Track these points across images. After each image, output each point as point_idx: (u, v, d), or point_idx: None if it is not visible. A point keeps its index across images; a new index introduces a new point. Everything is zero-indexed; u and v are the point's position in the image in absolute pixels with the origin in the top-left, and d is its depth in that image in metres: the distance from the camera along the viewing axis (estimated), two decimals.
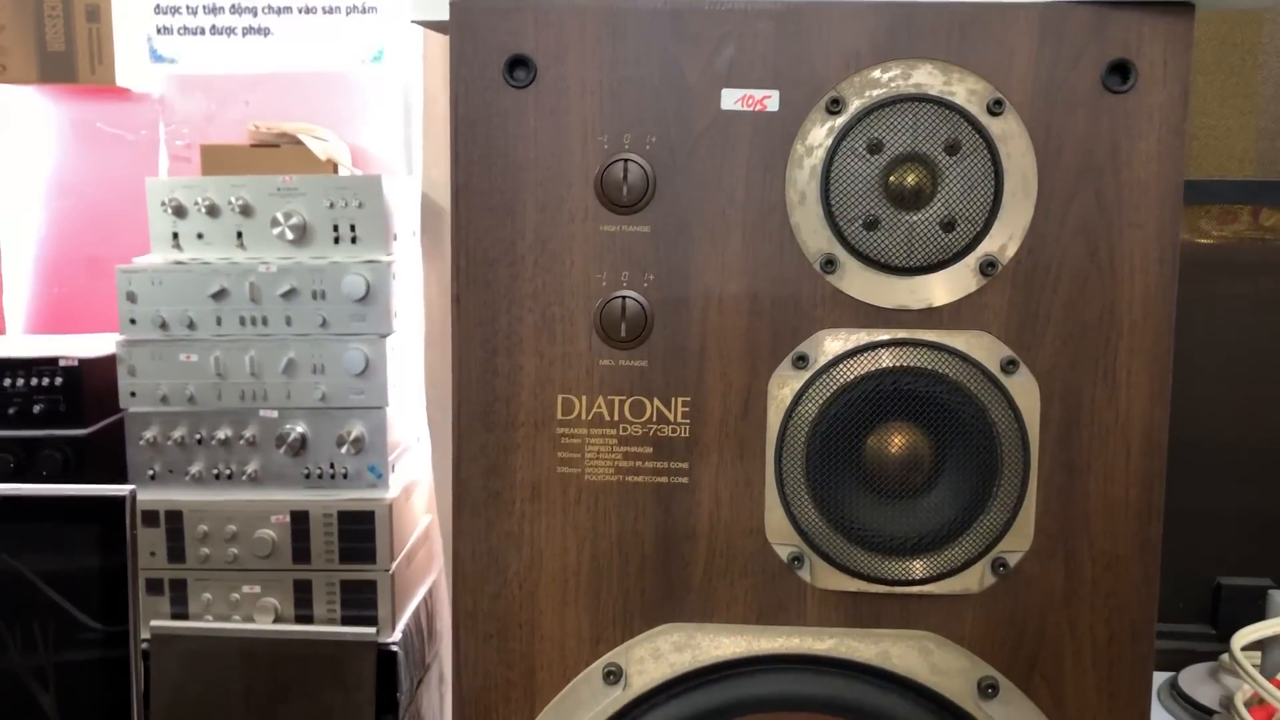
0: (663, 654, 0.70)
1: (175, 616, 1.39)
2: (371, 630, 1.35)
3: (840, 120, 0.67)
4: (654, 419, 0.70)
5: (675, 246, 0.69)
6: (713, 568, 0.70)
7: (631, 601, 0.71)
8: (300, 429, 1.37)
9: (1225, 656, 0.99)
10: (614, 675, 0.70)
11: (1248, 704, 0.87)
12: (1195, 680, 1.04)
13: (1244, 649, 0.88)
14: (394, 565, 1.37)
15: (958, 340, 0.68)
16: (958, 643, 0.70)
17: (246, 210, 1.37)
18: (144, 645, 1.32)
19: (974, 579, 0.70)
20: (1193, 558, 1.11)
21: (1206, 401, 1.11)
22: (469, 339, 0.70)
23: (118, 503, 0.90)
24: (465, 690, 0.71)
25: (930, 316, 0.69)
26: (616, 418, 0.70)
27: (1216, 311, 1.13)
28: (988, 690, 0.70)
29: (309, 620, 1.37)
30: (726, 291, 0.69)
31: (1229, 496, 1.13)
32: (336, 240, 1.38)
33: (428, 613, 1.52)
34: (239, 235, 1.38)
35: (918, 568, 0.69)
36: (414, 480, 1.50)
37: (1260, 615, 0.94)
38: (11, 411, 1.38)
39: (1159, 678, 1.06)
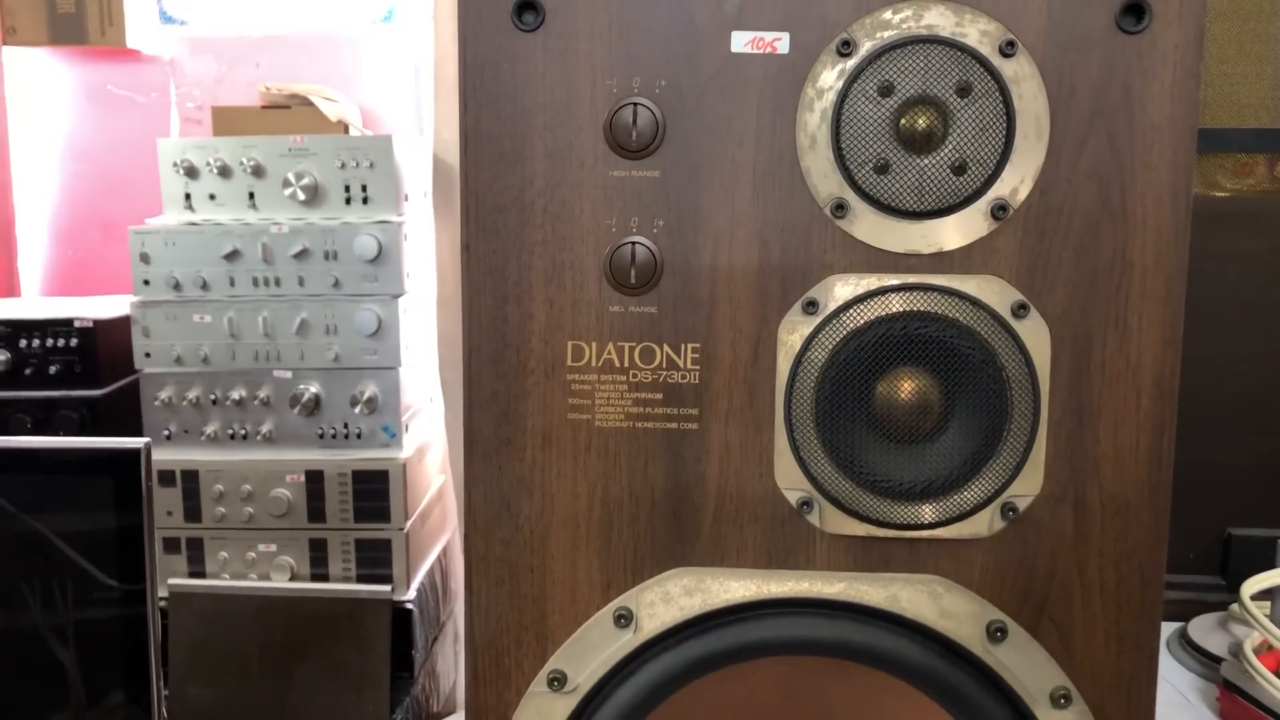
0: (673, 598, 0.71)
1: (192, 575, 1.41)
2: (386, 588, 1.36)
3: (851, 63, 0.67)
4: (664, 365, 0.70)
5: (685, 192, 0.69)
6: (722, 513, 0.71)
7: (642, 546, 0.71)
8: (314, 389, 1.38)
9: (1235, 606, 0.99)
10: (625, 619, 0.71)
11: (1257, 651, 0.87)
12: (1205, 630, 1.04)
13: (1253, 597, 0.88)
14: (408, 524, 1.38)
15: (968, 285, 0.68)
16: (967, 587, 0.70)
17: (258, 171, 1.37)
18: (162, 603, 1.34)
19: (983, 523, 0.70)
20: (1203, 509, 1.11)
21: (1219, 354, 1.10)
22: (479, 286, 0.70)
23: (133, 455, 0.91)
24: (478, 634, 0.72)
25: (941, 261, 0.68)
26: (626, 364, 0.70)
27: (1231, 264, 1.13)
28: (996, 634, 0.70)
29: (324, 579, 1.39)
30: (736, 237, 0.69)
31: (1240, 448, 1.12)
32: (348, 201, 1.38)
33: (442, 572, 1.53)
34: (251, 196, 1.39)
35: (927, 512, 0.70)
36: (427, 441, 1.50)
37: (1270, 566, 0.94)
38: (28, 372, 1.40)
39: (1169, 628, 1.06)
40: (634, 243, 0.69)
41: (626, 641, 0.71)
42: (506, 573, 0.72)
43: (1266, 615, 0.87)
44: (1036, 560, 0.70)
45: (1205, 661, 1.00)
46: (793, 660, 0.71)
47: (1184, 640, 1.03)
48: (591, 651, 0.71)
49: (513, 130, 0.68)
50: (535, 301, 0.70)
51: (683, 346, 0.70)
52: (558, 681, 0.71)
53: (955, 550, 0.71)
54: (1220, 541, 1.02)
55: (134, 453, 0.91)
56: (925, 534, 0.70)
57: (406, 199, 1.41)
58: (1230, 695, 0.91)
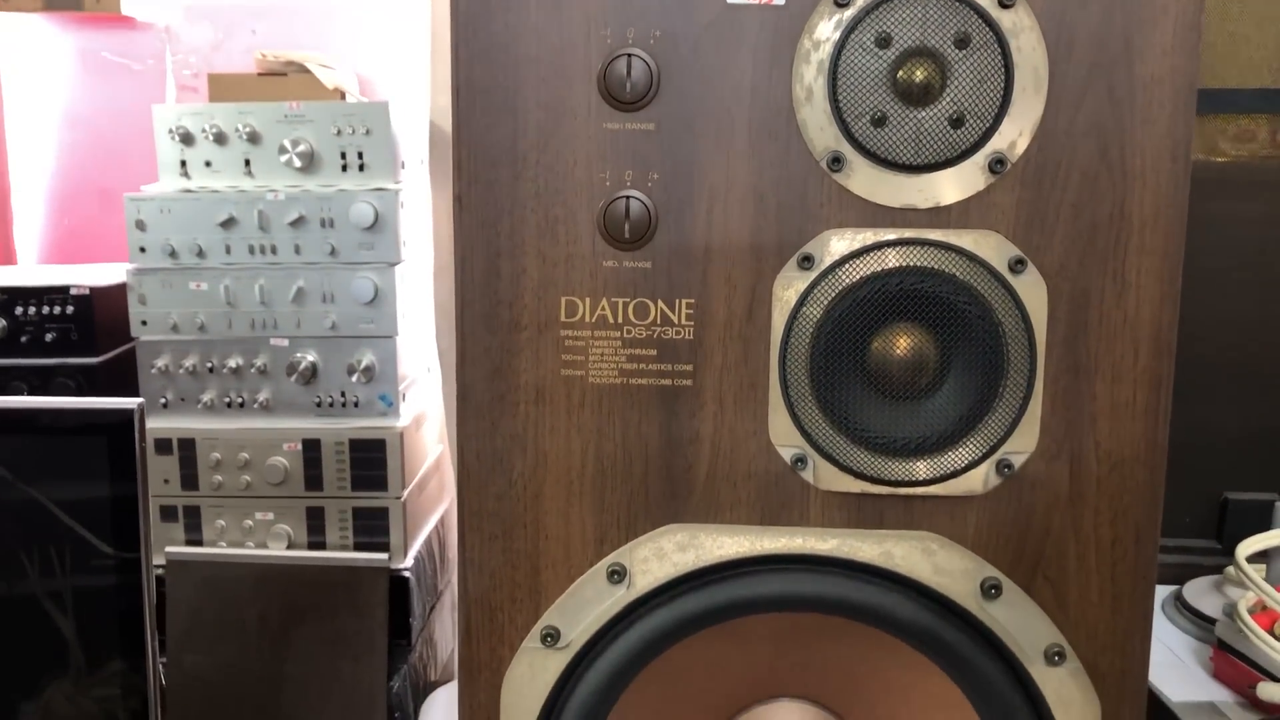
0: (666, 554, 0.71)
1: (190, 543, 1.41)
2: (384, 556, 1.36)
3: (848, 13, 0.66)
4: (658, 321, 0.70)
5: (680, 145, 0.68)
6: (716, 469, 0.71)
7: (635, 502, 0.71)
8: (311, 358, 1.38)
9: (1230, 569, 0.99)
10: (618, 575, 0.71)
11: (1251, 610, 0.87)
12: (1200, 592, 1.04)
13: (1248, 559, 0.88)
14: (405, 493, 1.38)
15: (965, 240, 0.68)
16: (961, 544, 0.70)
17: (254, 138, 1.37)
18: (159, 571, 1.34)
19: (978, 480, 0.70)
20: (1200, 473, 1.11)
21: (1217, 319, 1.10)
22: (471, 241, 0.70)
23: (126, 415, 0.90)
24: (471, 590, 0.72)
25: (938, 215, 0.68)
26: (620, 320, 0.70)
27: (1231, 229, 1.12)
28: (991, 591, 0.70)
29: (322, 547, 1.39)
30: (731, 191, 0.68)
31: (1237, 412, 1.12)
32: (344, 168, 1.37)
33: (440, 541, 1.53)
34: (247, 163, 1.38)
35: (922, 469, 0.69)
36: (424, 410, 1.50)
37: (1266, 529, 0.93)
38: (24, 340, 1.39)
39: (1163, 591, 1.06)
40: (628, 197, 0.68)
41: (620, 597, 0.71)
42: (499, 529, 0.72)
43: (1261, 577, 0.87)
44: (1031, 517, 0.70)
45: (1199, 623, 1.00)
46: (786, 617, 0.71)
47: (1178, 602, 1.04)
48: (585, 607, 0.71)
49: (505, 82, 0.68)
50: (528, 256, 0.69)
51: (677, 302, 0.70)
52: (551, 637, 0.71)
53: (950, 507, 0.70)
54: (1216, 505, 1.02)
55: (128, 413, 0.90)
56: (920, 491, 0.70)
57: (403, 166, 1.40)
58: (1224, 655, 0.92)
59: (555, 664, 0.71)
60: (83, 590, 0.93)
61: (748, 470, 0.70)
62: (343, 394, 1.38)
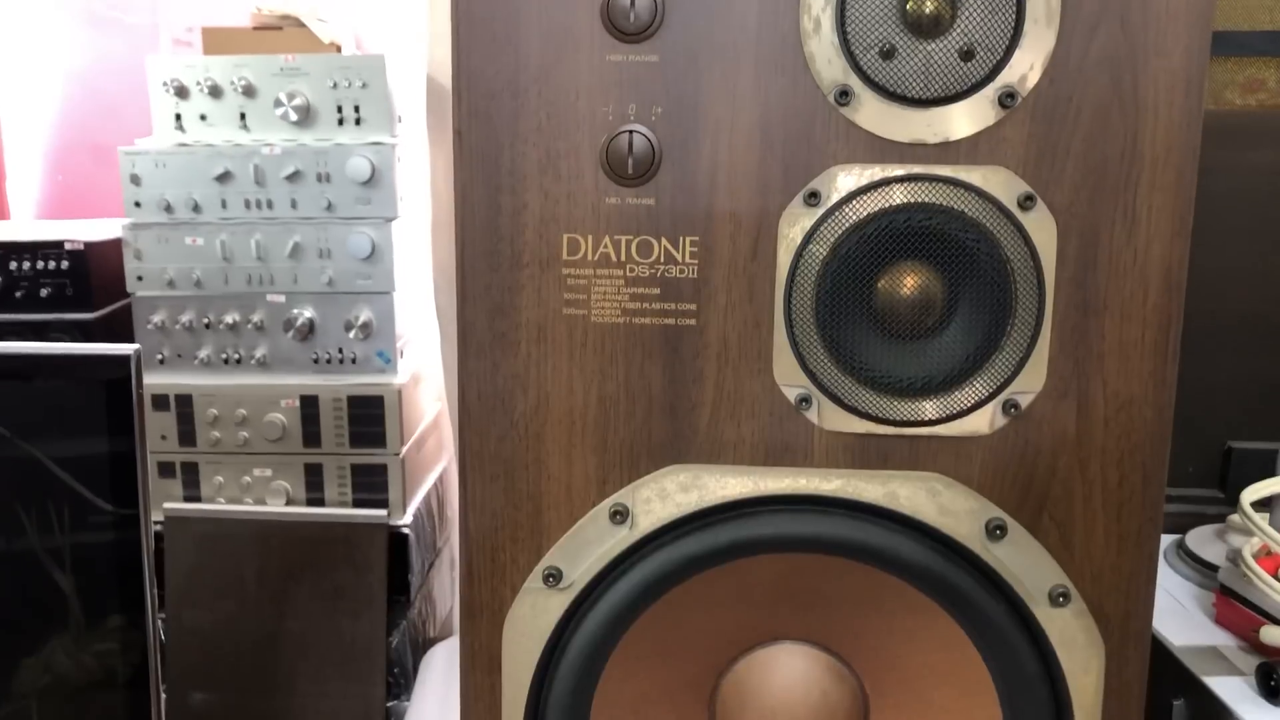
0: (669, 494, 0.70)
1: (188, 499, 1.40)
2: (382, 513, 1.36)
3: None
4: (661, 259, 0.69)
5: (684, 78, 0.67)
6: (720, 409, 0.70)
7: (638, 443, 0.70)
8: (308, 314, 1.37)
9: (1233, 517, 0.99)
10: (621, 515, 0.70)
11: (1255, 556, 0.87)
12: (1203, 540, 1.04)
13: (1253, 505, 0.88)
14: (404, 450, 1.37)
15: (974, 175, 0.66)
16: (966, 484, 0.70)
17: (249, 91, 1.35)
18: (158, 528, 1.34)
19: (984, 420, 0.69)
20: (1203, 422, 1.11)
21: (1222, 268, 1.09)
22: (472, 176, 0.68)
23: (123, 362, 0.89)
24: (473, 531, 0.71)
25: (947, 151, 0.67)
26: (623, 258, 0.69)
27: (1239, 179, 1.11)
28: (996, 532, 0.69)
29: (320, 503, 1.39)
30: (737, 125, 0.67)
31: (1242, 362, 1.11)
32: (341, 122, 1.36)
33: (438, 498, 1.53)
34: (242, 116, 1.36)
35: (928, 409, 0.69)
36: (422, 368, 1.50)
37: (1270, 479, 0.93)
38: (19, 295, 1.38)
39: (1167, 539, 1.06)
40: (631, 131, 0.67)
41: (622, 538, 0.70)
42: (501, 469, 0.71)
43: (1266, 523, 0.86)
44: (1037, 458, 0.69)
45: (1202, 570, 1.00)
46: (789, 558, 0.70)
47: (1181, 550, 1.04)
48: (587, 548, 0.71)
49: (505, 11, 0.66)
50: (529, 191, 0.68)
51: (681, 240, 0.69)
52: (553, 578, 0.71)
53: (955, 447, 0.70)
54: (1220, 455, 1.02)
55: (124, 359, 0.89)
56: (925, 431, 0.69)
57: (400, 120, 1.39)
58: (1227, 600, 0.92)
59: (557, 604, 0.71)
60: (81, 546, 0.93)
61: (751, 410, 0.70)
62: (340, 350, 1.38)
